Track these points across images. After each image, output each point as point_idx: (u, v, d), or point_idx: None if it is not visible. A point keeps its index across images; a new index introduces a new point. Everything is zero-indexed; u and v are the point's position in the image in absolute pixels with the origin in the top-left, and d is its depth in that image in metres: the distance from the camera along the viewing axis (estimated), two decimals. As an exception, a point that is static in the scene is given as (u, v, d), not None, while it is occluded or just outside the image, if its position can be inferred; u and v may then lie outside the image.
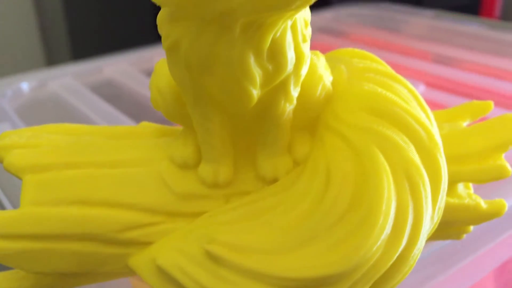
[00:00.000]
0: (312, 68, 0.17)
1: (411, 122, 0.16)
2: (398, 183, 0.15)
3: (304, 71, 0.16)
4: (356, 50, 0.19)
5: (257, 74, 0.14)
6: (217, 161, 0.17)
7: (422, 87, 0.36)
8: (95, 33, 0.71)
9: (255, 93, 0.15)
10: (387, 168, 0.15)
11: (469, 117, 0.21)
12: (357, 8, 0.54)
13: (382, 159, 0.16)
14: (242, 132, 0.17)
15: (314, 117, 0.18)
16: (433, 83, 0.38)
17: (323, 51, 0.46)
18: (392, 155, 0.16)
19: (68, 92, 0.38)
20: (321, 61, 0.17)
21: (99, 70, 0.41)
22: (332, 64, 0.19)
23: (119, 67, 0.42)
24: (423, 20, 0.50)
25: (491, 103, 0.21)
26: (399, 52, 0.44)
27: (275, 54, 0.14)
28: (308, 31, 0.15)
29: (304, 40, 0.15)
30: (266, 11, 0.12)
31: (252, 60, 0.14)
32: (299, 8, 0.13)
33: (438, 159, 0.16)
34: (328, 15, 0.53)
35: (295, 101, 0.16)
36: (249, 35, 0.13)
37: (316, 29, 0.51)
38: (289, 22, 0.14)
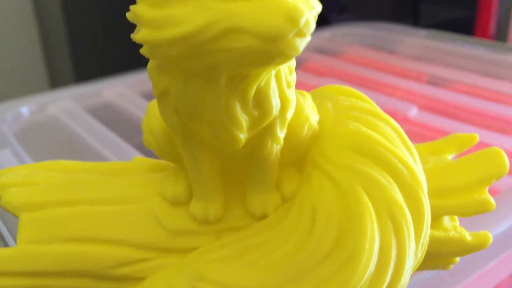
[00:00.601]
0: (299, 109, 0.17)
1: (395, 161, 0.17)
2: (382, 222, 0.16)
3: (289, 114, 0.16)
4: (343, 87, 0.20)
5: (243, 120, 0.15)
6: (208, 198, 0.18)
7: (415, 110, 0.37)
8: (97, 56, 0.72)
9: (243, 136, 0.15)
10: (371, 207, 0.16)
11: (454, 150, 0.21)
12: (354, 28, 0.55)
13: (366, 198, 0.16)
14: (232, 170, 0.18)
15: (301, 155, 0.18)
16: (427, 106, 0.38)
17: (317, 71, 0.46)
18: (375, 195, 0.16)
19: (67, 115, 0.39)
20: (307, 101, 0.18)
21: (98, 93, 0.42)
22: (319, 101, 0.19)
23: (118, 89, 0.42)
24: (418, 40, 0.51)
25: (476, 136, 0.21)
26: (394, 72, 0.45)
27: (260, 102, 0.15)
28: (293, 77, 0.16)
29: (289, 86, 0.16)
30: (249, 67, 0.13)
31: (238, 109, 0.15)
32: (279, 64, 0.13)
33: (420, 197, 0.17)
34: (325, 34, 0.54)
35: (282, 141, 0.17)
36: (234, 85, 0.14)
37: (312, 49, 0.51)
38: (273, 72, 0.15)
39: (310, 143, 0.18)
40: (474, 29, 0.67)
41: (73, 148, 0.35)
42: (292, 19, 0.12)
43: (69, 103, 0.40)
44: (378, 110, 0.19)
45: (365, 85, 0.43)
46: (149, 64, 0.15)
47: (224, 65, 0.13)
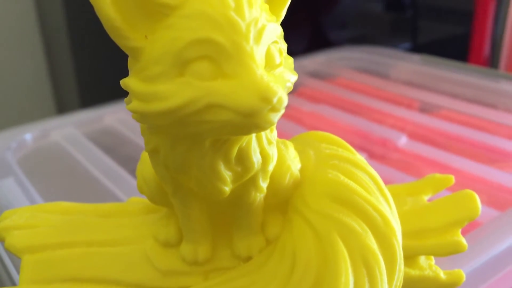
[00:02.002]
0: (281, 159, 0.19)
1: (369, 210, 0.18)
2: (356, 268, 0.17)
3: (271, 167, 0.18)
4: (325, 134, 0.21)
5: (227, 176, 0.16)
6: (197, 241, 0.19)
7: (404, 139, 0.38)
8: (102, 80, 0.73)
9: (227, 189, 0.17)
10: (346, 254, 0.17)
11: (431, 191, 0.22)
12: (349, 51, 0.57)
13: (341, 245, 0.17)
14: (219, 215, 0.19)
15: (284, 200, 0.19)
16: (416, 134, 0.39)
17: (311, 97, 0.47)
18: (350, 242, 0.17)
19: (69, 142, 0.40)
20: (289, 151, 0.19)
21: (100, 119, 0.43)
22: (302, 148, 0.21)
23: (118, 115, 0.44)
24: (411, 64, 0.52)
25: (452, 178, 0.23)
26: (386, 98, 0.46)
27: (243, 160, 0.16)
28: (274, 135, 0.17)
29: (270, 143, 0.17)
30: (229, 135, 0.14)
31: (222, 167, 0.16)
32: (259, 132, 0.15)
33: (393, 243, 0.18)
34: (320, 58, 0.55)
35: (265, 190, 0.18)
36: (218, 147, 0.15)
37: (307, 73, 0.53)
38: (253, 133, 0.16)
39: (292, 189, 0.19)
40: (470, 45, 0.68)
41: (74, 175, 0.37)
42: (265, 98, 0.13)
43: (71, 129, 0.42)
44: (357, 158, 0.20)
45: (357, 111, 0.44)
46: (141, 125, 0.17)
47: (207, 133, 0.14)
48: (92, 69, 0.76)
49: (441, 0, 0.97)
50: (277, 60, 0.15)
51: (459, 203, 0.21)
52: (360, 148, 0.37)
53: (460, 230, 0.21)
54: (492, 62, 0.64)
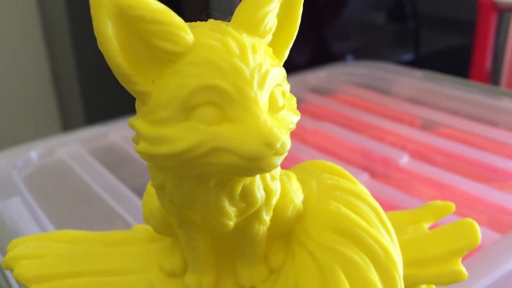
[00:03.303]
0: (284, 191, 0.19)
1: (371, 242, 0.18)
2: (357, 300, 0.18)
3: (274, 201, 0.18)
4: (327, 164, 0.22)
5: (231, 211, 0.17)
6: (201, 271, 0.19)
7: (406, 158, 0.38)
8: (107, 98, 0.74)
9: (231, 223, 0.17)
10: (347, 286, 0.18)
11: (431, 218, 0.23)
12: (351, 67, 0.57)
13: (343, 278, 0.18)
14: (223, 246, 0.20)
15: (287, 230, 0.20)
16: (418, 153, 0.40)
17: (314, 113, 0.48)
18: (352, 274, 0.18)
19: (74, 160, 0.40)
20: (292, 183, 0.20)
21: (104, 136, 0.44)
22: (305, 178, 0.21)
23: (123, 132, 0.44)
24: (413, 80, 0.52)
25: (452, 206, 0.23)
26: (388, 115, 0.47)
27: (246, 196, 0.17)
28: (277, 170, 0.18)
29: (273, 179, 0.17)
30: (233, 176, 0.15)
31: (226, 203, 0.16)
32: (262, 174, 0.15)
33: (394, 276, 0.18)
34: (322, 74, 0.56)
35: (268, 223, 0.19)
36: (222, 185, 0.16)
37: (310, 89, 0.53)
38: (257, 171, 0.16)
39: (295, 220, 0.20)
40: (472, 58, 0.68)
41: (79, 194, 0.37)
42: (269, 144, 0.13)
43: (76, 147, 0.42)
44: (359, 188, 0.20)
45: (359, 128, 0.45)
46: (137, 149, 0.17)
47: (212, 174, 0.15)
48: (98, 85, 0.77)
49: (443, 10, 0.98)
50: (280, 102, 0.15)
51: (459, 232, 0.21)
52: (362, 167, 0.38)
53: (460, 259, 0.21)
54: (493, 75, 0.64)
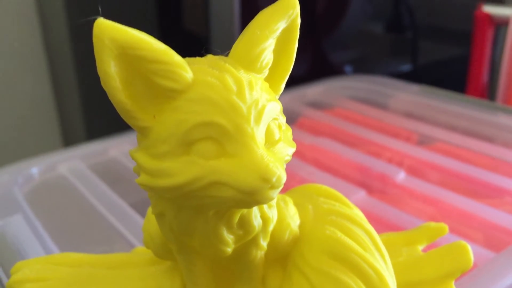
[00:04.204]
0: (281, 216, 0.20)
1: (365, 267, 0.19)
2: (352, 325, 0.18)
3: (271, 227, 0.18)
4: (323, 188, 0.22)
5: (229, 239, 0.17)
6: (200, 294, 0.20)
7: (402, 174, 0.39)
8: (108, 113, 0.75)
9: (229, 249, 0.18)
10: (343, 311, 0.18)
11: (425, 240, 0.23)
12: (348, 81, 0.58)
13: (338, 302, 0.18)
14: (221, 270, 0.20)
15: (284, 254, 0.20)
16: (415, 169, 0.40)
17: (311, 128, 0.48)
18: (347, 299, 0.18)
19: (75, 175, 0.41)
20: (289, 208, 0.20)
21: (105, 151, 0.44)
22: (301, 202, 0.21)
23: (123, 147, 0.45)
24: (410, 95, 0.53)
25: (446, 228, 0.23)
26: (385, 130, 0.47)
27: (244, 224, 0.17)
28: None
29: (270, 206, 0.18)
30: (231, 208, 0.15)
31: (224, 231, 0.17)
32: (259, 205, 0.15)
33: (388, 299, 0.19)
34: (320, 88, 0.56)
35: (265, 248, 0.19)
36: (220, 215, 0.16)
37: (306, 103, 0.54)
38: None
39: (292, 244, 0.20)
40: (469, 71, 0.69)
41: (80, 210, 0.38)
42: (265, 179, 0.14)
43: (77, 162, 0.43)
44: (354, 213, 0.21)
45: (357, 143, 0.45)
46: (138, 181, 0.17)
47: (210, 206, 0.15)
48: (99, 100, 0.78)
49: (440, 21, 0.98)
50: (277, 136, 0.16)
51: (452, 254, 0.22)
52: (359, 184, 0.38)
53: (453, 282, 0.22)
54: (490, 89, 0.65)
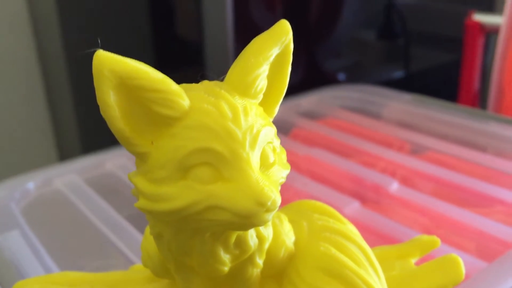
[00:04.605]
0: (276, 234, 0.20)
1: (359, 283, 0.19)
2: None
3: (267, 246, 0.19)
4: (318, 204, 0.23)
5: (226, 258, 0.18)
6: (198, 312, 0.20)
7: (395, 185, 0.39)
8: (103, 127, 0.76)
9: (226, 268, 0.18)
10: (338, 327, 0.19)
11: (418, 253, 0.24)
12: (342, 91, 0.58)
13: (333, 318, 0.19)
14: (218, 287, 0.20)
15: (279, 270, 0.21)
16: (408, 179, 0.41)
17: (305, 138, 0.49)
18: (342, 315, 0.19)
19: (71, 190, 0.41)
20: (284, 225, 0.20)
21: (101, 165, 0.45)
22: (296, 219, 0.22)
23: (119, 161, 0.45)
24: (403, 104, 0.54)
25: (438, 241, 0.24)
26: (377, 140, 0.48)
27: (240, 244, 0.18)
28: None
29: (265, 225, 0.18)
30: (227, 230, 0.16)
31: (221, 251, 0.17)
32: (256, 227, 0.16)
33: (382, 314, 0.19)
34: (313, 98, 0.57)
35: (261, 266, 0.20)
36: (217, 236, 0.17)
37: (299, 113, 0.54)
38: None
39: (287, 261, 0.21)
40: (461, 76, 0.70)
41: (76, 225, 0.38)
42: (261, 203, 0.14)
43: (73, 176, 0.43)
44: (348, 229, 0.21)
45: (350, 153, 0.46)
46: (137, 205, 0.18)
47: (207, 228, 0.16)
48: (93, 113, 0.78)
49: (432, 27, 0.99)
50: (271, 159, 0.16)
51: (444, 267, 0.22)
52: (353, 194, 0.39)
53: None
54: (482, 96, 0.66)
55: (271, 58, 0.17)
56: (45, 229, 0.37)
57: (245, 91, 0.16)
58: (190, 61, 0.74)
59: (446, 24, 0.96)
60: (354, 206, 0.36)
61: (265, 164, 0.16)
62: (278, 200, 0.15)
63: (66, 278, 0.22)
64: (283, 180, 0.16)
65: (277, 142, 0.17)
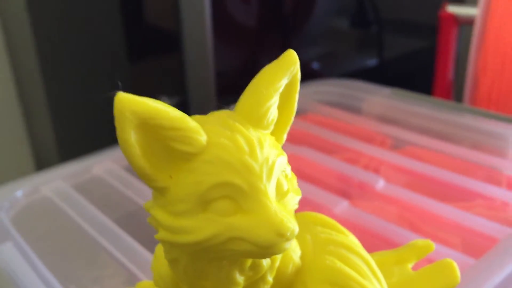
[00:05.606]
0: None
1: (364, 294, 0.20)
2: None
3: (277, 264, 0.20)
4: (319, 216, 0.23)
5: (241, 280, 0.18)
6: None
7: (382, 182, 0.40)
8: (80, 134, 0.75)
9: (240, 288, 0.19)
10: (346, 338, 0.19)
11: (414, 258, 0.25)
12: (320, 85, 0.59)
13: (342, 330, 0.20)
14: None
15: (287, 285, 0.22)
16: (392, 176, 0.42)
17: (288, 135, 0.49)
18: (350, 326, 0.20)
19: (58, 197, 0.41)
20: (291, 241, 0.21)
21: (87, 170, 0.45)
22: (300, 232, 0.22)
23: (105, 165, 0.45)
24: (382, 98, 0.55)
25: (432, 245, 0.25)
26: (358, 135, 0.49)
27: (255, 267, 0.18)
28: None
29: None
30: (246, 258, 0.16)
31: (237, 275, 0.18)
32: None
33: (387, 324, 0.20)
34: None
35: (271, 282, 0.20)
36: (234, 261, 0.17)
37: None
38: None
39: (294, 275, 0.21)
40: (435, 68, 0.71)
41: (67, 232, 0.38)
42: (281, 234, 0.15)
43: (59, 183, 0.43)
44: (350, 240, 0.22)
45: (332, 150, 0.47)
46: (160, 237, 0.18)
47: (227, 258, 0.16)
48: (69, 121, 0.77)
49: (405, 15, 1.01)
50: (285, 187, 0.17)
51: (440, 272, 0.23)
52: (341, 193, 0.40)
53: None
54: (456, 88, 0.67)
55: (281, 89, 0.17)
56: (37, 239, 0.37)
57: (258, 122, 0.17)
58: (166, 49, 0.73)
59: (419, 11, 0.97)
60: (343, 205, 0.37)
61: (280, 193, 0.16)
62: (296, 230, 0.16)
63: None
64: (296, 207, 0.17)
65: (288, 169, 0.17)
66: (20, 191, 0.41)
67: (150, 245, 0.35)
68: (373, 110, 0.54)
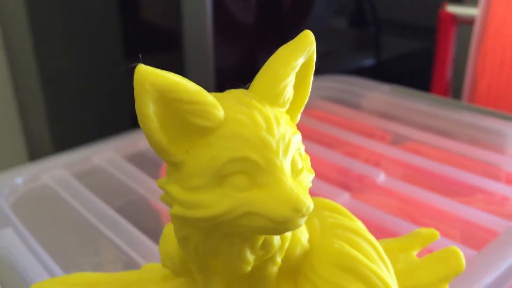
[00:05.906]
0: (292, 232, 0.21)
1: (372, 277, 0.20)
2: (363, 332, 0.20)
3: (287, 245, 0.20)
4: (326, 201, 0.23)
5: (251, 259, 0.18)
6: (216, 309, 0.21)
7: (382, 176, 0.41)
8: (74, 126, 0.74)
9: (249, 268, 0.19)
10: (354, 320, 0.20)
11: (419, 246, 0.25)
12: (320, 81, 0.59)
13: (349, 312, 0.20)
14: (237, 284, 0.21)
15: (295, 267, 0.22)
16: (392, 170, 0.42)
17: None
18: (357, 308, 0.20)
19: (59, 184, 0.41)
20: (299, 224, 0.21)
21: (88, 159, 0.45)
22: (308, 216, 0.23)
23: (105, 154, 0.45)
24: (381, 95, 0.55)
25: (437, 233, 0.25)
26: (359, 130, 0.49)
27: (266, 245, 0.18)
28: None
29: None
30: (260, 235, 0.16)
31: (248, 253, 0.18)
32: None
33: (394, 306, 0.20)
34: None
35: (280, 263, 0.20)
36: (245, 239, 0.17)
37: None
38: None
39: (302, 257, 0.21)
40: (434, 67, 0.71)
41: (67, 219, 0.38)
42: (297, 209, 0.15)
43: (60, 171, 0.43)
44: (357, 225, 0.22)
45: (333, 144, 0.47)
46: (173, 212, 0.18)
47: (241, 234, 0.16)
48: (64, 111, 0.77)
49: (403, 16, 1.01)
50: (300, 165, 0.17)
51: (445, 259, 0.24)
52: (342, 186, 0.40)
53: (447, 285, 0.23)
54: (454, 87, 0.68)
55: (297, 68, 0.17)
56: (37, 225, 0.37)
57: (274, 100, 0.17)
58: (166, 47, 0.73)
59: (417, 12, 0.98)
60: (344, 198, 0.37)
61: (295, 171, 0.17)
62: (312, 206, 0.16)
63: (83, 279, 0.22)
64: (310, 185, 0.17)
65: (303, 147, 0.17)
66: (20, 178, 0.41)
67: (150, 232, 0.35)
68: (373, 106, 0.54)
